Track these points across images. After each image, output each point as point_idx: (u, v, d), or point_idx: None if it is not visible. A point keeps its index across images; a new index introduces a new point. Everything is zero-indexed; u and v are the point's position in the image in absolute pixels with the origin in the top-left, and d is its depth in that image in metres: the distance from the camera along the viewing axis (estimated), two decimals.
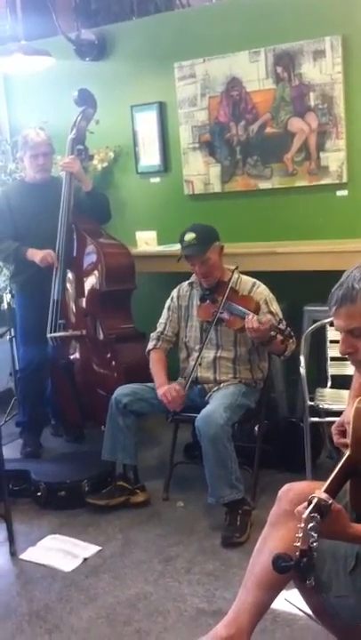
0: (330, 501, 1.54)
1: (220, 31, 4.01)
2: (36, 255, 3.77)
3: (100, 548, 2.97)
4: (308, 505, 1.53)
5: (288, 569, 1.48)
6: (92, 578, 2.77)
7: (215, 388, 3.23)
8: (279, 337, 3.00)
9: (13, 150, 4.50)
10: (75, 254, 3.84)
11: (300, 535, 1.47)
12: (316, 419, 3.25)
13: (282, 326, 2.99)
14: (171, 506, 3.33)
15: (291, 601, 2.44)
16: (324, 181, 3.85)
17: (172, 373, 3.46)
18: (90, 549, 2.96)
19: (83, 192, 3.84)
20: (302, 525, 1.48)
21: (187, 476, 3.48)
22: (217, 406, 3.02)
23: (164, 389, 3.21)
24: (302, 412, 3.33)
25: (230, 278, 3.24)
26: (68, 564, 2.86)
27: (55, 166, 4.03)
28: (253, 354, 3.29)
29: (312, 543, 1.46)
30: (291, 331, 3.03)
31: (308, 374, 3.31)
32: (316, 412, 3.25)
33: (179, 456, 3.59)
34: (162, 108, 4.29)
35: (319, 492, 1.57)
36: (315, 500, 1.53)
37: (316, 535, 1.46)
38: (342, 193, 3.84)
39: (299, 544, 1.46)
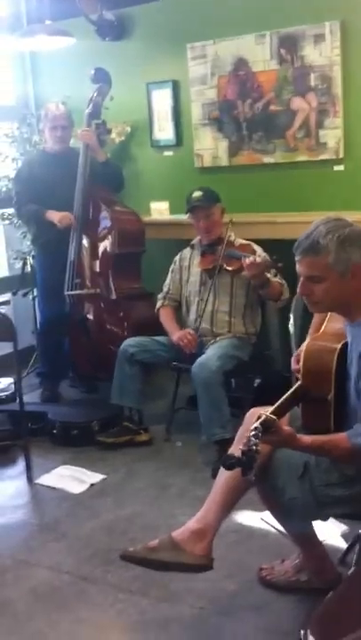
0: (274, 417, 1.91)
1: (229, 15, 4.29)
2: (55, 215, 4.10)
3: (106, 476, 3.39)
4: (257, 420, 1.90)
5: (233, 465, 1.86)
6: (96, 499, 3.19)
7: (212, 341, 3.58)
8: (272, 272, 3.38)
9: (38, 123, 4.84)
10: (90, 219, 4.19)
11: (245, 441, 1.84)
12: None
13: (275, 260, 3.35)
14: (171, 446, 3.71)
15: (265, 519, 2.83)
16: (322, 157, 4.15)
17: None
18: (96, 477, 3.38)
19: (98, 162, 4.17)
20: (248, 434, 1.85)
21: (187, 422, 3.82)
22: (210, 355, 3.39)
23: (179, 334, 3.59)
24: None
25: (228, 233, 3.61)
26: (76, 488, 3.28)
27: (74, 138, 4.36)
28: (248, 308, 3.65)
29: (252, 446, 1.82)
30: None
31: (300, 332, 3.63)
32: None
33: (181, 405, 3.93)
34: (175, 86, 4.59)
35: (266, 411, 1.94)
36: (263, 417, 1.91)
37: (256, 440, 1.82)
38: (339, 168, 4.13)
39: (241, 446, 1.84)
